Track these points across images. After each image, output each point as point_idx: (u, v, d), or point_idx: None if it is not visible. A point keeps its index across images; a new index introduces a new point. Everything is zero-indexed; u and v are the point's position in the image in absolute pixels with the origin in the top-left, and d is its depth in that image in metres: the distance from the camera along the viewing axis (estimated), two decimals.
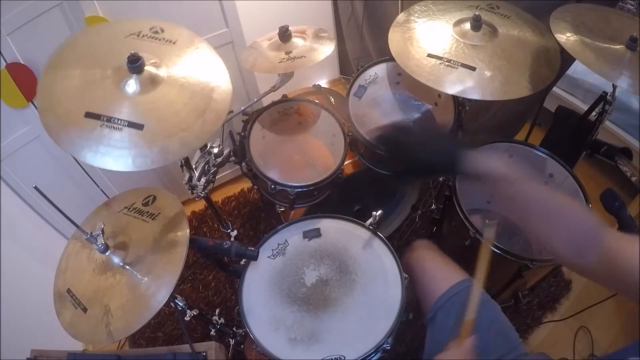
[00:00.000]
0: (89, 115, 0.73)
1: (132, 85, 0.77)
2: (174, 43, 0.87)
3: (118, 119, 0.73)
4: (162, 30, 0.88)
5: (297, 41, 1.15)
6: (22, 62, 1.19)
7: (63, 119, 0.74)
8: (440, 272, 0.95)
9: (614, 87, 1.04)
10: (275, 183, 1.09)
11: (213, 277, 1.64)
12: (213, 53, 0.89)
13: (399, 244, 1.56)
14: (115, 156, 0.72)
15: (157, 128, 0.75)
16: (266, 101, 1.25)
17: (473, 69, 0.96)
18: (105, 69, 0.78)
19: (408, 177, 0.70)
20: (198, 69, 0.84)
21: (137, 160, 0.72)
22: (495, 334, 0.83)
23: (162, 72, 0.81)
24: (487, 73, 0.95)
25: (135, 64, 0.75)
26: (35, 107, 1.29)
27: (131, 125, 0.73)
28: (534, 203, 0.60)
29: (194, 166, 0.96)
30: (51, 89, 0.76)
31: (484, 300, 0.89)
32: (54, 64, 0.80)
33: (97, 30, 0.92)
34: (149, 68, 0.79)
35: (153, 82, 0.79)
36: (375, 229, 1.02)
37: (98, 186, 1.58)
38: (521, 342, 0.83)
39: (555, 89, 1.78)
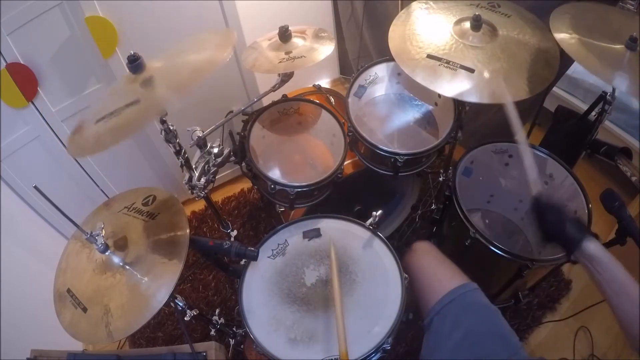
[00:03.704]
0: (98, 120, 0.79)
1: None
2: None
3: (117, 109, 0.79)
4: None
5: (297, 41, 1.15)
6: (22, 62, 1.19)
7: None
8: (438, 278, 0.95)
9: (614, 87, 1.04)
10: (275, 183, 1.09)
11: (213, 277, 1.64)
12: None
13: (399, 244, 1.56)
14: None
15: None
16: (266, 101, 1.25)
17: (472, 71, 0.96)
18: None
19: (546, 237, 0.80)
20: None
21: None
22: (493, 341, 0.82)
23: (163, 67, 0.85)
24: (486, 75, 0.95)
25: (134, 63, 0.76)
26: (36, 107, 1.29)
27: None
28: (619, 284, 0.69)
29: (194, 166, 0.96)
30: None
31: (483, 305, 0.88)
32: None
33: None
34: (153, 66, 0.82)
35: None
36: (375, 229, 1.02)
37: (98, 186, 1.58)
38: (522, 346, 0.83)
39: (555, 89, 1.78)
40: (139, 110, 0.77)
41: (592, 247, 0.71)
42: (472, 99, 0.94)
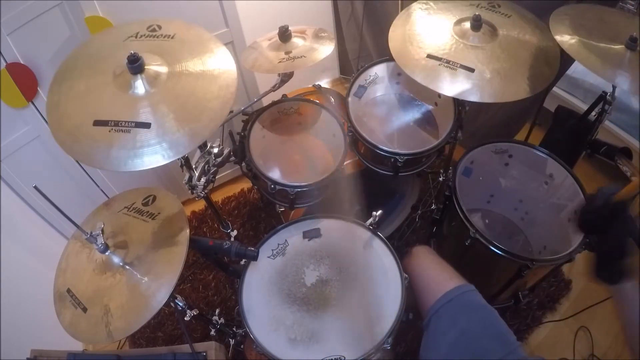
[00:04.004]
0: (97, 123, 0.74)
1: (139, 86, 0.77)
2: (172, 37, 0.88)
3: (125, 122, 0.73)
4: (160, 27, 0.90)
5: (297, 41, 1.15)
6: (22, 62, 1.19)
7: (74, 132, 0.75)
8: (436, 280, 0.96)
9: (614, 87, 1.04)
10: (275, 183, 1.09)
11: (213, 277, 1.64)
12: (213, 39, 0.89)
13: (399, 244, 1.56)
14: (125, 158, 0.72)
15: (165, 123, 0.75)
16: (266, 101, 1.25)
17: (472, 70, 0.96)
18: (108, 76, 0.79)
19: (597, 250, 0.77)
20: (201, 58, 0.85)
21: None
22: (489, 339, 0.83)
23: (163, 68, 0.80)
24: (486, 75, 0.95)
25: (135, 64, 0.76)
26: (36, 107, 1.29)
27: (138, 125, 0.73)
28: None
29: (194, 166, 0.95)
30: (58, 104, 0.78)
31: (480, 305, 0.89)
32: (59, 79, 0.81)
33: (97, 39, 0.92)
34: (151, 67, 0.79)
35: (156, 79, 0.79)
36: (375, 229, 1.02)
37: (98, 186, 1.58)
38: (519, 345, 0.83)
39: (555, 89, 1.78)
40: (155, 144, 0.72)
41: (630, 288, 0.69)
42: (473, 98, 0.94)
